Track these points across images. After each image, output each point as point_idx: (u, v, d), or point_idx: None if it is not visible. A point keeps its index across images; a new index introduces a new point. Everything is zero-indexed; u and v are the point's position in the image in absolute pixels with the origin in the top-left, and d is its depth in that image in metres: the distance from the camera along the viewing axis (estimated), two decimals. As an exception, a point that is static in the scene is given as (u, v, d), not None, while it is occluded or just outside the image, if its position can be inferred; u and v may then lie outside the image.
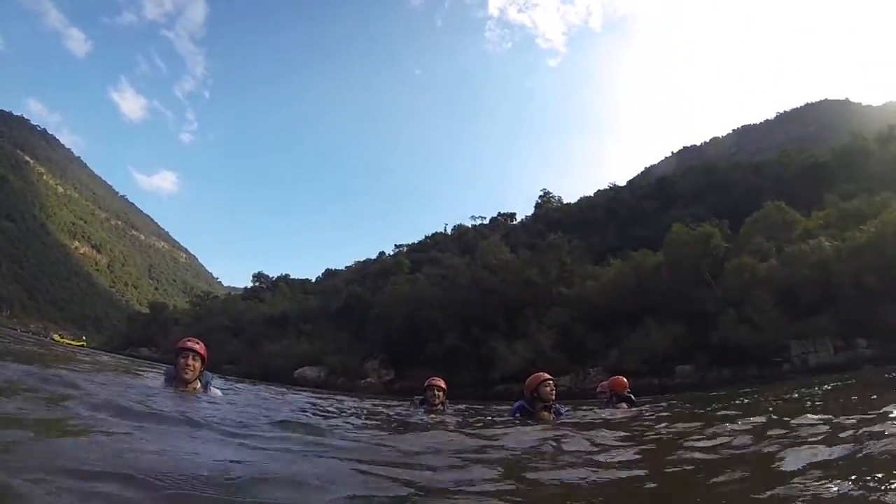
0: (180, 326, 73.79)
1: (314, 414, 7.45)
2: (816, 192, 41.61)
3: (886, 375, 14.58)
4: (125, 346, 73.35)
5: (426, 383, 8.96)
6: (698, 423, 6.18)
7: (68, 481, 2.09)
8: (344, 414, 8.36)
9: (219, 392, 6.57)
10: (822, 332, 27.58)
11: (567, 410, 8.09)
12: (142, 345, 72.86)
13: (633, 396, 10.37)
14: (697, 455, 3.92)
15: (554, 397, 7.60)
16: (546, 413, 7.41)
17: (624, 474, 3.39)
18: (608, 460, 3.92)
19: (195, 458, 2.86)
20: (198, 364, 5.97)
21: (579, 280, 41.56)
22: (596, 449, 4.50)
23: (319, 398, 12.52)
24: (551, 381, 7.60)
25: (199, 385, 6.07)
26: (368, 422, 7.35)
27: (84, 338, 75.55)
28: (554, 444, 4.68)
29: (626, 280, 37.29)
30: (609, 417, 8.23)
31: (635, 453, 4.42)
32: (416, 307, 45.46)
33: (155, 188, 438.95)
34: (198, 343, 6.08)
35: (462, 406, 12.31)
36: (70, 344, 51.41)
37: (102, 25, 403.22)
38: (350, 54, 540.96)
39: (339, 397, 15.04)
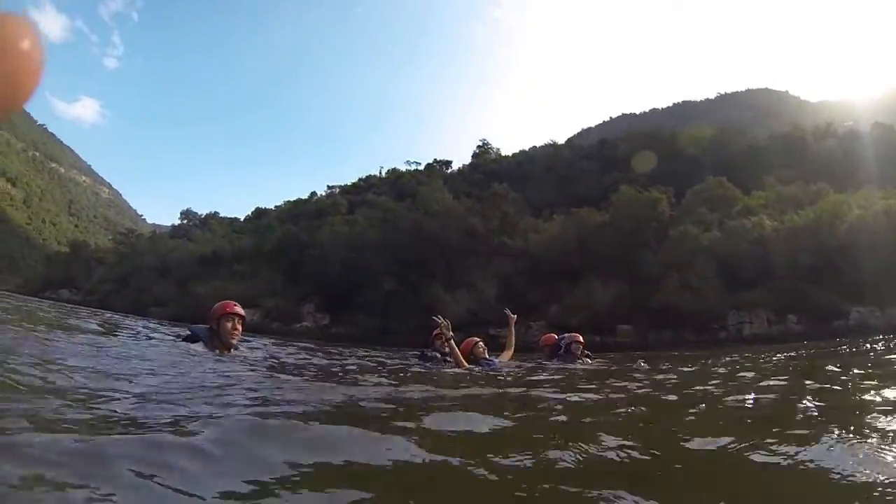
0: (104, 266, 70.08)
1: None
2: (754, 173, 42.96)
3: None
4: (44, 289, 67.74)
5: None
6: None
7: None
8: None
9: (247, 351, 6.81)
10: (758, 305, 28.80)
11: (498, 361, 8.49)
12: (62, 286, 67.87)
13: (589, 353, 10.75)
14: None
15: (486, 355, 8.40)
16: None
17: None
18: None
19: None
20: (241, 328, 6.13)
21: (521, 232, 41.32)
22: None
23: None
24: (481, 343, 8.55)
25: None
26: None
27: None
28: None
29: (569, 236, 37.27)
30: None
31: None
32: (354, 250, 44.08)
33: (76, 117, 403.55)
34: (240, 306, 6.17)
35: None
36: None
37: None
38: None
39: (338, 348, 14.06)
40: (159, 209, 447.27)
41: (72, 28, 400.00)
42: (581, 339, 10.53)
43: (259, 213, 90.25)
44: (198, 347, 5.95)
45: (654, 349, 26.08)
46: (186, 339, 6.22)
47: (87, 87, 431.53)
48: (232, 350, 6.04)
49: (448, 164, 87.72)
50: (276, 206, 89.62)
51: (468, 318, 31.16)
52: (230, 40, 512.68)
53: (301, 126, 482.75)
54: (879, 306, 26.85)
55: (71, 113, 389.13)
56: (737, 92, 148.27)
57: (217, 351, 5.90)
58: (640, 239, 34.05)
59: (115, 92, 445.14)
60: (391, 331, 35.76)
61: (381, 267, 41.47)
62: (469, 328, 21.95)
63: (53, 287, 68.70)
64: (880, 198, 31.62)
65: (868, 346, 14.13)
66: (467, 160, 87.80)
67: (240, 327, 6.06)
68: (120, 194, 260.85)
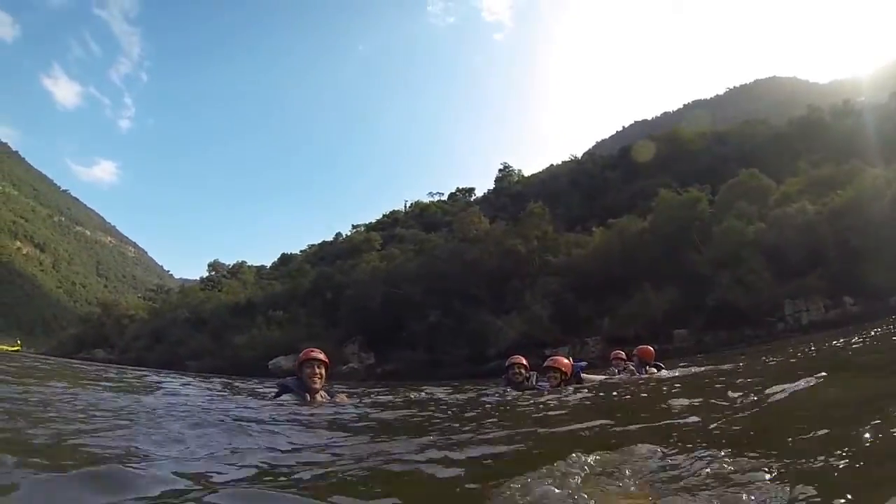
0: (136, 323, 71.25)
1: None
2: (779, 161, 42.73)
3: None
4: (78, 349, 68.81)
5: (508, 362, 8.70)
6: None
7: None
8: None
9: (345, 397, 6.82)
10: (812, 292, 28.29)
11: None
12: (96, 346, 69.05)
13: (660, 364, 11.08)
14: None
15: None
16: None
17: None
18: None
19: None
20: (323, 372, 6.14)
21: (564, 248, 41.18)
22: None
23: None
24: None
25: (324, 393, 6.27)
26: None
27: (19, 342, 73.40)
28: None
29: (612, 247, 37.31)
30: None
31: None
32: (393, 284, 44.19)
33: (95, 180, 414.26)
34: (321, 352, 6.20)
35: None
36: (5, 350, 50.36)
37: (30, 6, 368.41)
38: (291, 31, 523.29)
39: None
40: (185, 263, 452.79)
41: (85, 94, 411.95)
42: (651, 350, 11.05)
43: (285, 258, 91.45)
44: (287, 398, 6.05)
45: (713, 350, 25.88)
46: (278, 394, 6.27)
47: (103, 150, 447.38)
48: (318, 396, 6.06)
49: (471, 191, 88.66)
50: (301, 251, 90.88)
51: (521, 340, 31.07)
52: (239, 92, 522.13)
53: (320, 168, 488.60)
54: (934, 276, 26.34)
55: (90, 175, 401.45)
56: (745, 84, 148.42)
57: (306, 397, 5.98)
58: (684, 240, 33.92)
59: (130, 152, 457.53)
60: (442, 364, 35.62)
61: (422, 299, 41.51)
62: (525, 351, 21.65)
63: (87, 347, 69.70)
64: (918, 169, 31.27)
65: None
66: (489, 186, 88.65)
67: (320, 371, 6.05)
68: (145, 252, 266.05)
